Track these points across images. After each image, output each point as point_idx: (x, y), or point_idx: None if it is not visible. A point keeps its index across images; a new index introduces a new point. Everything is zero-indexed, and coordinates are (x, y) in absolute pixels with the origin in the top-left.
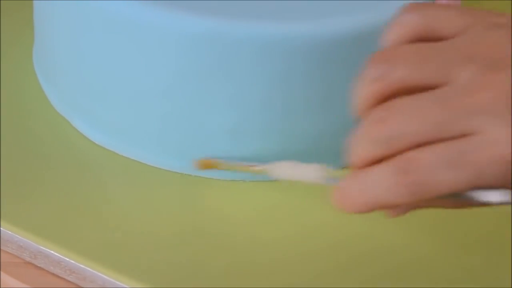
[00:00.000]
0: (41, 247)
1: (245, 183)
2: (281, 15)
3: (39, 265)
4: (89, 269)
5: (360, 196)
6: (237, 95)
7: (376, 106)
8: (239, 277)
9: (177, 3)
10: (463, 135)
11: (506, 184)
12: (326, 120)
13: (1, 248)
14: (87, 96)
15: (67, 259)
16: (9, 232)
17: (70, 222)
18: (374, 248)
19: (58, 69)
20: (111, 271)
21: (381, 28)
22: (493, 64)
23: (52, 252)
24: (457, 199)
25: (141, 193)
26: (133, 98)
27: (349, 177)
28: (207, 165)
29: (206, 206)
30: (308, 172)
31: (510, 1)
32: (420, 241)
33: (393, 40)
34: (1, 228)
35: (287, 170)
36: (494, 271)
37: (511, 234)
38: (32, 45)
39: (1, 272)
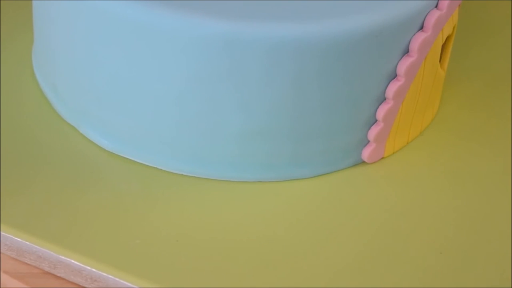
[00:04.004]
0: (61, 257)
1: (257, 184)
2: (292, 15)
3: (59, 275)
4: (111, 276)
5: None
6: (251, 97)
7: None
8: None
9: (185, 5)
10: None
11: None
12: (338, 118)
13: (19, 259)
14: (90, 100)
15: (89, 268)
16: (27, 243)
17: (88, 229)
18: (376, 246)
19: (59, 71)
20: (133, 278)
21: (394, 26)
22: None
23: (72, 261)
24: None
25: (154, 197)
26: (141, 102)
27: None
28: None
29: (218, 208)
30: None
31: (510, 1)
32: (419, 241)
33: None
34: (19, 239)
35: None
36: (494, 271)
37: (511, 234)
38: (31, 45)
39: (20, 283)
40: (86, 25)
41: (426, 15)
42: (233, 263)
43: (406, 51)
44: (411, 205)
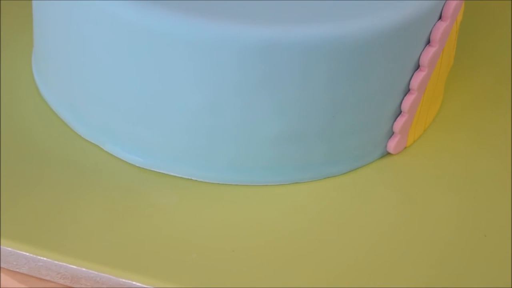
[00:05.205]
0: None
1: (293, 185)
2: (321, 17)
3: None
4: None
5: None
6: (286, 101)
7: None
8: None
9: (197, 10)
10: None
11: None
12: (369, 113)
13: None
14: (116, 115)
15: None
16: (75, 266)
17: (136, 248)
18: (387, 249)
19: (77, 90)
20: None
21: (419, 19)
22: None
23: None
24: None
25: (194, 208)
26: (174, 114)
27: None
28: None
29: (257, 212)
30: None
31: (510, 1)
32: (420, 240)
33: None
34: (72, 266)
35: None
36: (494, 271)
37: (511, 234)
38: (31, 46)
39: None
40: (108, 39)
41: (444, 4)
42: (277, 266)
43: (427, 42)
44: (414, 205)
